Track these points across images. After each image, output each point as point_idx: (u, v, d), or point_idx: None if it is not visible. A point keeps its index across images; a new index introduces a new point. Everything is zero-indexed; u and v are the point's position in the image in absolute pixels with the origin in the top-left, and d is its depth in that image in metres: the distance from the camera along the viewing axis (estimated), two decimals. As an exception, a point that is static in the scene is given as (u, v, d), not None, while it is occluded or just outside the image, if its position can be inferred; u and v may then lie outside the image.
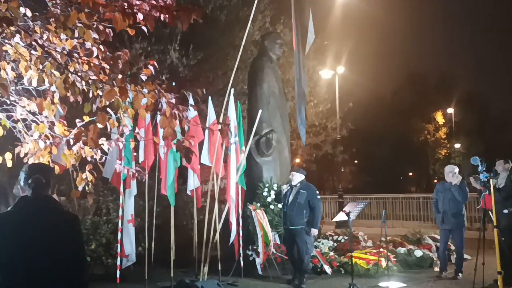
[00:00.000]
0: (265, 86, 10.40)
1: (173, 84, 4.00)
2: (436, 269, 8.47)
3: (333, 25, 17.99)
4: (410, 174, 45.46)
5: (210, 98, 8.27)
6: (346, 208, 6.99)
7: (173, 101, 3.22)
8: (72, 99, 3.40)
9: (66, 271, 2.47)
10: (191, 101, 4.84)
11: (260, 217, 8.67)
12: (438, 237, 9.47)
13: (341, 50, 19.71)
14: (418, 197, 18.10)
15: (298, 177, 7.90)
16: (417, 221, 16.46)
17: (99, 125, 2.98)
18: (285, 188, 8.10)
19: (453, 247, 8.67)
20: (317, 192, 7.90)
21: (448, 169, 8.16)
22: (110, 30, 3.27)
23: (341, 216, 7.15)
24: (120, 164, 5.49)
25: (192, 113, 6.79)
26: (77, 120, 3.43)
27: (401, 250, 9.03)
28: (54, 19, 2.91)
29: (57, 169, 3.48)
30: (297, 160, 21.08)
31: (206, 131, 8.01)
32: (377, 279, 7.79)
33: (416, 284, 7.57)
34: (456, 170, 8.05)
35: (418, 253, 8.93)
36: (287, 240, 8.17)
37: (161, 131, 7.45)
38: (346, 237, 9.68)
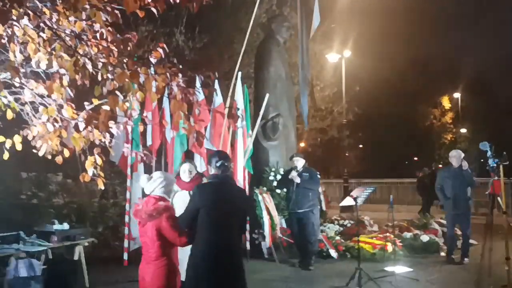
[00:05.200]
0: (272, 70, 10.32)
1: (180, 67, 3.93)
2: (442, 254, 8.48)
3: (340, 8, 17.72)
4: (415, 159, 45.28)
5: (217, 81, 8.19)
6: (353, 193, 6.96)
7: (182, 84, 3.19)
8: (79, 82, 3.37)
9: (240, 219, 4.05)
10: (198, 84, 4.78)
11: (267, 201, 8.70)
12: (444, 222, 9.47)
13: (348, 33, 19.42)
14: (424, 182, 17.96)
15: (301, 162, 8.06)
16: (422, 206, 16.35)
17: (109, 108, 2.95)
18: (295, 174, 7.99)
19: (459, 232, 8.66)
20: (318, 173, 8.31)
21: (455, 153, 8.13)
22: (119, 12, 3.22)
23: (348, 201, 7.13)
24: (128, 147, 5.48)
25: (200, 96, 6.74)
26: (85, 103, 3.40)
27: (407, 235, 9.03)
28: (63, 0, 2.86)
29: (66, 152, 3.46)
30: (302, 145, 20.94)
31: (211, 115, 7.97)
32: (383, 263, 7.80)
33: (422, 269, 7.58)
34: (463, 155, 8.05)
35: (425, 238, 8.95)
36: (293, 224, 8.21)
37: (168, 114, 7.47)
38: (352, 222, 9.69)
